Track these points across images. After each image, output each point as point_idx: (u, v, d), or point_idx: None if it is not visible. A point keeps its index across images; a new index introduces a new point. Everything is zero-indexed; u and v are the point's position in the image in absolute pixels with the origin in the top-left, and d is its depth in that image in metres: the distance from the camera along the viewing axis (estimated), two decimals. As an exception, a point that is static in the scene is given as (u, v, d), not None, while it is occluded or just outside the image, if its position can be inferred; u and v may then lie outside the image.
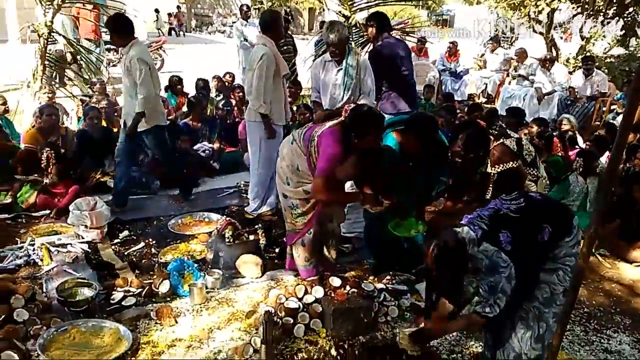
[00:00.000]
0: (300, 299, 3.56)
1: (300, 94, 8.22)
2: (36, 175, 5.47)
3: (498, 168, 3.55)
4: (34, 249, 4.37)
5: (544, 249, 2.75)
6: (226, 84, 9.25)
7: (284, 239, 4.18)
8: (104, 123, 6.72)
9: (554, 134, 6.74)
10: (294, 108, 6.93)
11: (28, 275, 4.04)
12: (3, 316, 3.21)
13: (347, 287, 3.65)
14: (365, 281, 3.85)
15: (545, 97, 9.75)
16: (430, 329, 3.02)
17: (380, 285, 3.82)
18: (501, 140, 3.66)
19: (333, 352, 3.24)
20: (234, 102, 8.27)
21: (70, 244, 4.54)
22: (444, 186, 4.24)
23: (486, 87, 11.98)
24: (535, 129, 6.33)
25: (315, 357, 3.21)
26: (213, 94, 8.90)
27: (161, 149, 5.69)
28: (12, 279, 3.84)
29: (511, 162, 3.63)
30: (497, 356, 3.00)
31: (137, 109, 5.19)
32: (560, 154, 6.15)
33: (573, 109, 9.31)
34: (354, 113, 3.66)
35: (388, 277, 4.07)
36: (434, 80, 10.41)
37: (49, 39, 7.64)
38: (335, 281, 3.70)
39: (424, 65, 11.00)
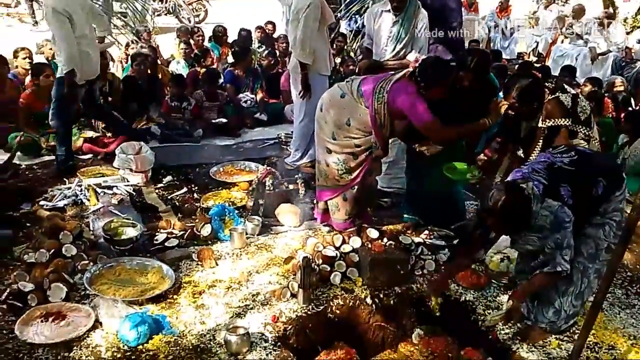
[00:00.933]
0: (337, 248, 3.58)
1: (345, 47, 8.09)
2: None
3: (548, 123, 3.43)
4: (81, 190, 4.52)
5: (596, 204, 2.68)
6: (267, 32, 9.15)
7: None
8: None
9: (606, 94, 6.46)
10: (338, 60, 6.82)
11: (75, 214, 4.19)
12: (53, 250, 3.36)
13: (385, 240, 3.65)
14: (403, 235, 3.84)
15: (600, 57, 9.31)
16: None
17: (418, 240, 3.81)
18: (557, 94, 3.51)
19: (368, 300, 3.28)
20: (277, 52, 8.20)
21: (116, 186, 4.67)
22: (495, 130, 4.08)
23: (537, 45, 11.47)
24: (588, 87, 6.07)
25: (351, 304, 3.25)
26: (255, 44, 8.84)
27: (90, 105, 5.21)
28: (61, 216, 3.99)
29: (562, 119, 3.49)
30: (534, 312, 2.98)
31: (60, 70, 4.65)
32: (611, 116, 5.91)
33: (628, 71, 8.87)
34: (425, 64, 3.57)
35: (426, 232, 4.04)
36: (483, 36, 10.06)
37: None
38: (373, 233, 3.71)
39: (473, 20, 10.60)
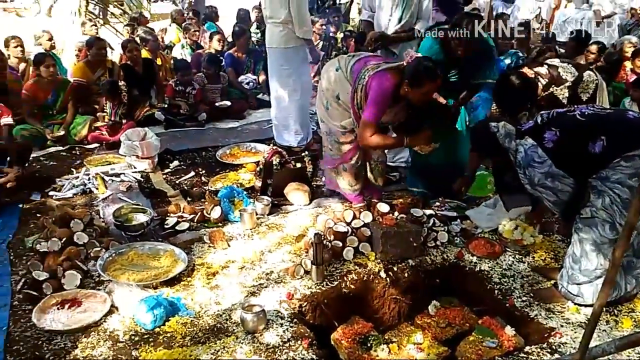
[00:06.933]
0: (348, 224, 3.56)
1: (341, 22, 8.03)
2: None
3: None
4: (89, 179, 4.52)
5: (594, 164, 2.63)
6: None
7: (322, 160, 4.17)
8: (146, 55, 6.71)
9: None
10: (339, 35, 6.77)
11: (85, 202, 4.19)
12: (64, 239, 3.35)
13: (396, 213, 3.62)
14: (413, 208, 3.81)
15: (604, 20, 9.14)
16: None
17: (429, 212, 3.77)
18: (551, 89, 3.41)
19: (382, 274, 3.26)
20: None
21: (124, 173, 4.68)
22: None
23: (540, 11, 11.30)
24: (595, 55, 5.95)
25: (365, 278, 3.24)
26: (254, 26, 8.74)
27: None
28: (71, 205, 3.99)
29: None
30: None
31: None
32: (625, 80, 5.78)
33: (635, 33, 8.70)
34: (417, 62, 3.40)
35: (437, 204, 4.02)
36: (484, 5, 9.87)
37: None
38: (383, 207, 3.67)
39: (473, -12, 10.40)
